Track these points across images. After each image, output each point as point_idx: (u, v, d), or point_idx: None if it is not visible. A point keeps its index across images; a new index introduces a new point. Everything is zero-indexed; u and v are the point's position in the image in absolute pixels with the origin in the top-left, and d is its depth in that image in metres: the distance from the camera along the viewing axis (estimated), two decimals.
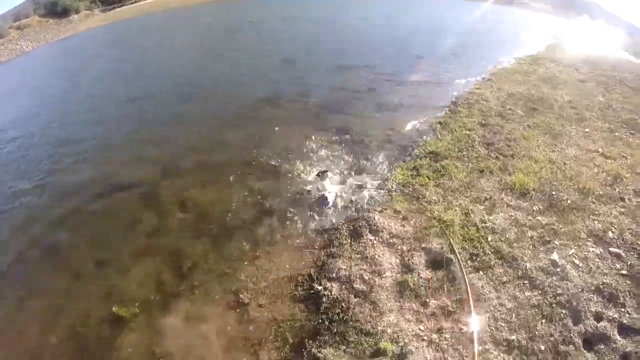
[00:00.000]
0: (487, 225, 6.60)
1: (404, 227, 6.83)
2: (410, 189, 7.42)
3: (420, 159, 8.36)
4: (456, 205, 7.08)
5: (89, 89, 17.81)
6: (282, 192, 8.05)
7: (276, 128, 10.58)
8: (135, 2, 53.49)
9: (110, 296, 6.30)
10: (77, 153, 11.23)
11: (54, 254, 7.15)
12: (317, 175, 8.11)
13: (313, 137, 9.91)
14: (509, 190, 7.31)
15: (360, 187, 7.60)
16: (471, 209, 6.93)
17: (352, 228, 6.93)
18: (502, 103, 11.01)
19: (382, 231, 6.73)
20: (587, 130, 9.76)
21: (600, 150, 8.85)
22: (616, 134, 9.77)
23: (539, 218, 6.76)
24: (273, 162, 9.05)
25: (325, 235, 6.96)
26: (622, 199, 7.28)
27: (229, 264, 6.30)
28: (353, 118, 11.06)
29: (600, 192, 7.32)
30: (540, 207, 6.97)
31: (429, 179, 7.61)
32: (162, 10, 44.02)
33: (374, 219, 6.97)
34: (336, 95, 12.80)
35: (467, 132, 9.42)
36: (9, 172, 10.85)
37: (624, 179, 7.76)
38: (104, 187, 9.12)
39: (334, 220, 6.85)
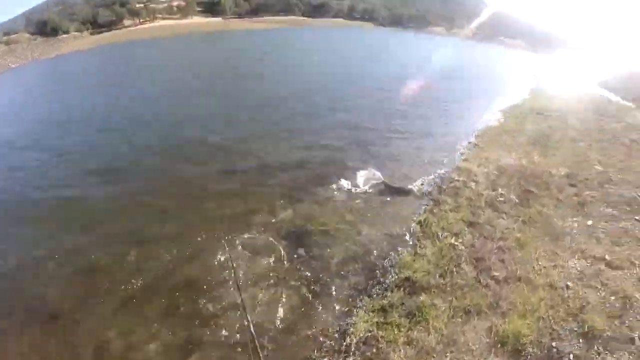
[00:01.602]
0: None
1: None
2: (373, 350, 5.86)
3: (392, 291, 6.79)
4: None
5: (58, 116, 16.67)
6: None
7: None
8: (124, 27, 53.21)
9: None
10: None
11: None
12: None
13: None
14: (500, 347, 5.85)
15: None
16: None
17: None
18: (493, 184, 9.74)
19: None
20: (589, 222, 8.48)
21: (606, 257, 7.56)
22: (621, 225, 8.51)
23: None
24: None
25: None
26: (632, 340, 5.94)
27: None
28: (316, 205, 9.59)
29: (608, 333, 5.96)
30: None
31: (399, 329, 5.99)
32: (148, 38, 45.11)
33: None
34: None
35: (453, 240, 8.05)
36: None
37: (635, 303, 6.43)
38: None
39: None
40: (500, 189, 9.69)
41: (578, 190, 9.83)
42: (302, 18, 70.91)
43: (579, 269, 7.25)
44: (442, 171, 10.67)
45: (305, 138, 12.86)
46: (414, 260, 7.46)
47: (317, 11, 75.08)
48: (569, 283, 6.89)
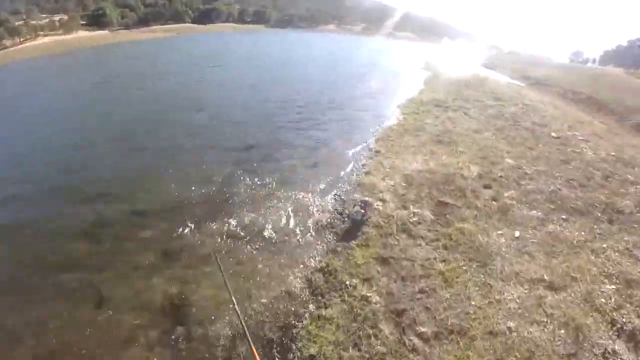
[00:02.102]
0: None
1: None
2: None
3: None
4: None
5: None
6: None
7: None
8: (5, 48, 43.93)
9: None
10: None
11: None
12: None
13: None
14: None
15: None
16: None
17: None
18: (402, 200, 7.82)
19: None
20: (517, 233, 6.84)
21: (544, 276, 6.09)
22: (550, 230, 7.02)
23: None
24: None
25: None
26: None
27: None
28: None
29: None
30: None
31: None
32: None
33: None
34: None
35: (364, 289, 5.82)
36: None
37: (587, 333, 5.12)
38: None
39: None
40: (411, 206, 7.69)
41: (495, 192, 8.31)
42: (193, 25, 66.87)
43: (518, 300, 5.64)
44: (343, 191, 8.34)
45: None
46: (319, 328, 5.22)
47: (207, 17, 71.37)
48: (510, 324, 5.23)
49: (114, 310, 5.53)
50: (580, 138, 11.47)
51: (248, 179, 8.93)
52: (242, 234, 7.13)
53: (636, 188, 8.74)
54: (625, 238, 7.01)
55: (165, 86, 18.78)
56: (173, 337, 5.11)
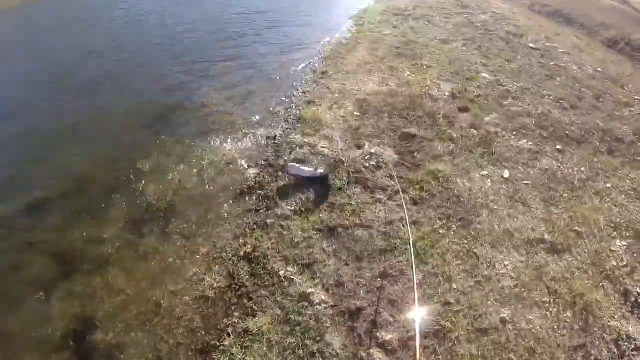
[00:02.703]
0: None
1: None
2: None
3: None
4: None
5: None
6: None
7: None
8: None
9: None
10: None
11: None
12: None
13: None
14: None
15: None
16: None
17: None
18: (356, 136, 5.77)
19: None
20: (506, 174, 5.01)
21: (545, 236, 4.31)
22: (545, 164, 5.37)
23: None
24: None
25: None
26: None
27: None
28: None
29: None
30: None
31: None
32: None
33: None
34: None
35: (303, 283, 4.02)
36: None
37: (596, 310, 3.80)
38: None
39: None
40: (367, 144, 5.55)
41: (473, 117, 6.36)
42: None
43: (513, 275, 4.06)
44: (279, 131, 6.00)
45: None
46: (245, 349, 3.46)
47: None
48: (504, 312, 3.72)
49: None
50: (561, 51, 9.58)
51: (159, 128, 6.24)
52: (144, 217, 4.70)
53: (631, 111, 7.14)
54: (631, 175, 5.51)
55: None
56: None
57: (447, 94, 7.09)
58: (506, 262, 4.10)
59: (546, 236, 4.47)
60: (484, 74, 7.85)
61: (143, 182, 5.28)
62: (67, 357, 3.49)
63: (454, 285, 3.82)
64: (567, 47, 9.99)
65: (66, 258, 4.37)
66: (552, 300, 3.83)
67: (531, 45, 9.68)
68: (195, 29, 10.71)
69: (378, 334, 3.47)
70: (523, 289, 3.87)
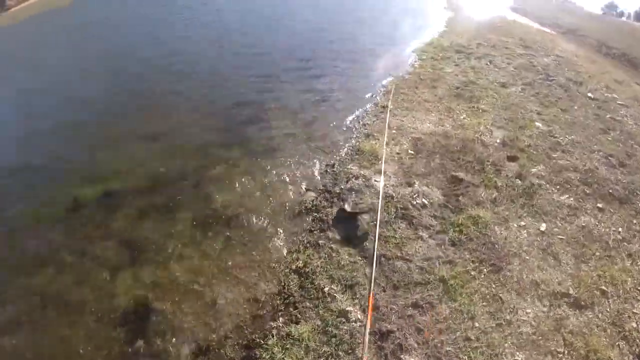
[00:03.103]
0: None
1: None
2: None
3: None
4: None
5: None
6: None
7: None
8: None
9: None
10: None
11: None
12: None
13: None
14: None
15: None
16: None
17: None
18: (407, 174, 6.66)
19: None
20: (543, 227, 5.75)
21: (570, 290, 4.99)
22: (582, 221, 5.95)
23: None
24: None
25: None
26: None
27: None
28: None
29: None
30: None
31: None
32: None
33: None
34: None
35: (344, 301, 4.86)
36: None
37: None
38: None
39: None
40: (417, 182, 6.31)
41: (520, 167, 6.84)
42: None
43: (533, 323, 4.50)
44: (338, 160, 6.94)
45: None
46: (285, 350, 4.15)
47: None
48: (519, 357, 4.15)
49: None
50: (620, 102, 9.70)
51: (223, 150, 7.39)
52: (210, 220, 5.81)
53: None
54: None
55: None
56: None
57: (498, 140, 7.65)
58: (528, 310, 4.69)
59: (571, 291, 4.96)
60: (537, 123, 8.29)
61: (210, 188, 6.38)
62: (125, 331, 4.45)
63: (476, 324, 4.48)
64: (625, 98, 10.07)
65: (135, 246, 5.47)
66: (566, 351, 4.32)
67: (590, 95, 9.90)
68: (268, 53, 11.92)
69: (402, 356, 4.21)
70: (540, 337, 4.40)
